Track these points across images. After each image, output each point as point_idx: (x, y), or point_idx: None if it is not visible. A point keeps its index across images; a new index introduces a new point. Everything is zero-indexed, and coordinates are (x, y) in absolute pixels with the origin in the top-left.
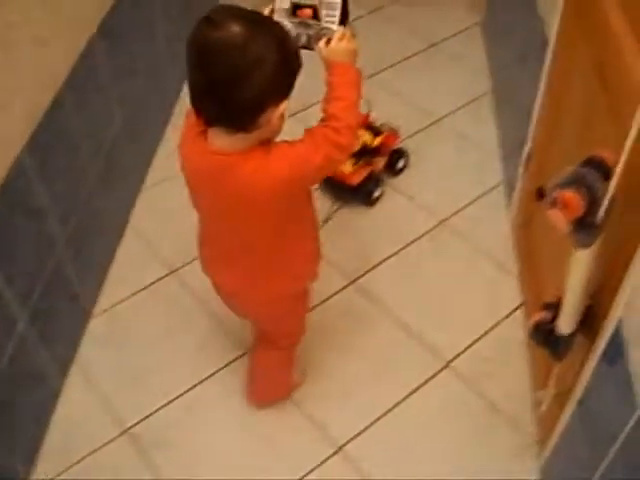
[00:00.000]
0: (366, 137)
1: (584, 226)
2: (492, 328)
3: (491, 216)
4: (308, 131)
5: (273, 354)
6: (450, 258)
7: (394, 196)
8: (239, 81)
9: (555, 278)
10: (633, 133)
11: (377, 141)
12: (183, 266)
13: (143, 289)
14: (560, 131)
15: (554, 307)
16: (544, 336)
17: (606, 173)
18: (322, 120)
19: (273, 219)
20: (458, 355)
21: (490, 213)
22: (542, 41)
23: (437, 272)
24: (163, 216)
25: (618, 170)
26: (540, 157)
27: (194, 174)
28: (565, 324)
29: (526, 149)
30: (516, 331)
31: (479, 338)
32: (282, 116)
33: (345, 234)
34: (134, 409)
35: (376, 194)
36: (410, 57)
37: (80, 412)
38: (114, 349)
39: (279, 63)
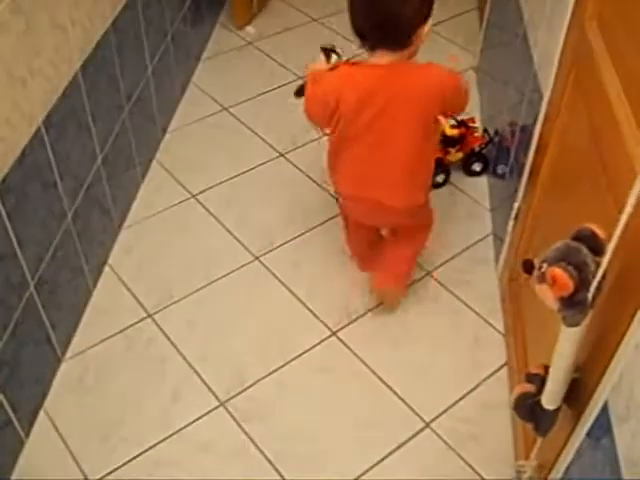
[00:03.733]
0: (446, 125)
1: (573, 304)
2: (475, 388)
3: (479, 269)
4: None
5: (409, 248)
6: (435, 311)
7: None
8: (409, 12)
9: (541, 346)
10: (628, 209)
11: (454, 132)
12: (159, 310)
13: (118, 332)
14: (552, 192)
15: (539, 379)
16: (527, 410)
17: (597, 248)
18: None
19: (428, 122)
20: (439, 415)
21: (478, 266)
22: (538, 96)
23: (420, 325)
24: (141, 258)
25: (611, 247)
26: (530, 215)
27: (362, 96)
28: (550, 400)
29: (516, 205)
30: (499, 392)
31: (461, 398)
32: (425, 34)
33: (327, 279)
34: (100, 462)
35: (438, 179)
36: None
37: (45, 462)
38: (84, 396)
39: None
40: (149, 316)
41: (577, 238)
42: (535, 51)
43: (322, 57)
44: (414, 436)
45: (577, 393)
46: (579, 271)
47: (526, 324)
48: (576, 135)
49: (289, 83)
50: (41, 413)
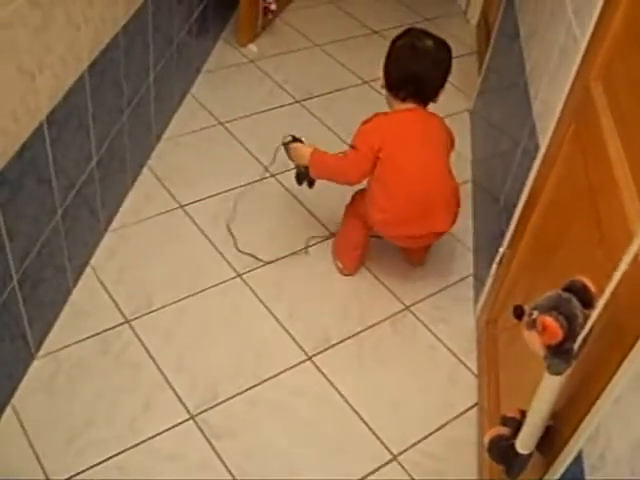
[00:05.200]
0: None
1: (560, 353)
2: (443, 425)
3: (457, 308)
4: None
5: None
6: (411, 345)
7: (363, 272)
8: (438, 69)
9: (515, 390)
10: (623, 267)
11: None
12: (137, 317)
13: (94, 335)
14: (540, 241)
15: (514, 423)
16: (501, 452)
17: (587, 300)
18: None
19: (449, 152)
20: (407, 449)
21: (457, 305)
22: (534, 145)
23: (396, 358)
24: (123, 263)
25: (602, 301)
26: (516, 261)
27: (407, 134)
28: (525, 445)
29: (501, 250)
30: (468, 431)
31: (430, 434)
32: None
33: (308, 303)
34: (63, 464)
35: None
36: None
37: (6, 458)
38: (54, 396)
39: (450, 63)
40: (127, 322)
41: (569, 289)
42: (535, 102)
43: (294, 145)
44: (380, 467)
45: (550, 440)
46: (569, 322)
47: (501, 368)
48: (570, 188)
49: (287, 105)
50: (8, 409)
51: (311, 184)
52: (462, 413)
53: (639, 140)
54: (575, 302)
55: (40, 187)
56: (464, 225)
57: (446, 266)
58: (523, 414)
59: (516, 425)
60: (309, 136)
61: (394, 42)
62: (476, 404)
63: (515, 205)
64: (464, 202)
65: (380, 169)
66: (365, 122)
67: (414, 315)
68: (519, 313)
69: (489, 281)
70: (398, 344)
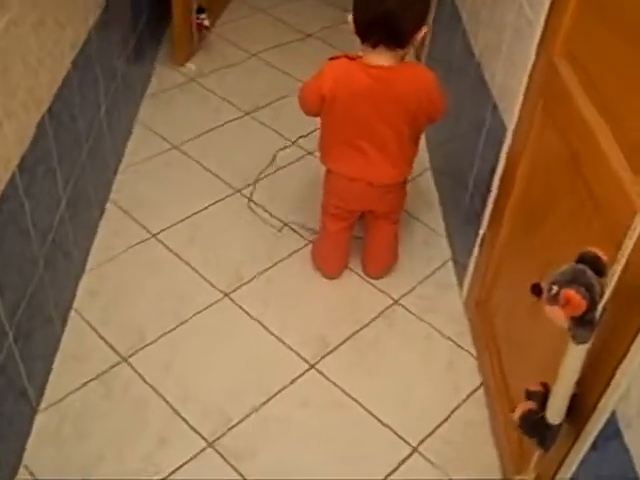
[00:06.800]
0: None
1: (584, 323)
2: (454, 410)
3: (443, 294)
4: None
5: (392, 230)
6: (407, 338)
7: (346, 272)
8: (407, 10)
9: (521, 365)
10: (634, 235)
11: None
12: (133, 353)
13: (93, 379)
14: (523, 217)
15: (539, 396)
16: (532, 426)
17: (600, 269)
18: None
19: (410, 116)
20: (424, 439)
21: (442, 291)
22: (500, 127)
23: (395, 353)
24: (107, 301)
25: (618, 269)
26: (499, 241)
27: (355, 91)
28: (555, 415)
29: (481, 232)
30: (479, 412)
31: (444, 420)
32: (419, 39)
33: (299, 311)
34: None
35: None
36: None
37: None
38: (63, 446)
39: (425, 3)
40: (124, 360)
41: (581, 260)
42: (493, 85)
43: None
44: (403, 461)
45: (578, 407)
46: (588, 292)
47: (502, 346)
48: (549, 161)
49: (236, 119)
50: (21, 469)
51: None
52: (469, 395)
53: (615, 107)
54: (590, 272)
55: (20, 237)
56: (433, 212)
57: (423, 255)
58: (545, 386)
59: (541, 397)
60: (263, 146)
61: None
62: (481, 384)
63: (488, 187)
64: (428, 191)
65: (323, 116)
66: (331, 59)
67: (404, 307)
68: (538, 290)
69: (471, 264)
70: (394, 338)
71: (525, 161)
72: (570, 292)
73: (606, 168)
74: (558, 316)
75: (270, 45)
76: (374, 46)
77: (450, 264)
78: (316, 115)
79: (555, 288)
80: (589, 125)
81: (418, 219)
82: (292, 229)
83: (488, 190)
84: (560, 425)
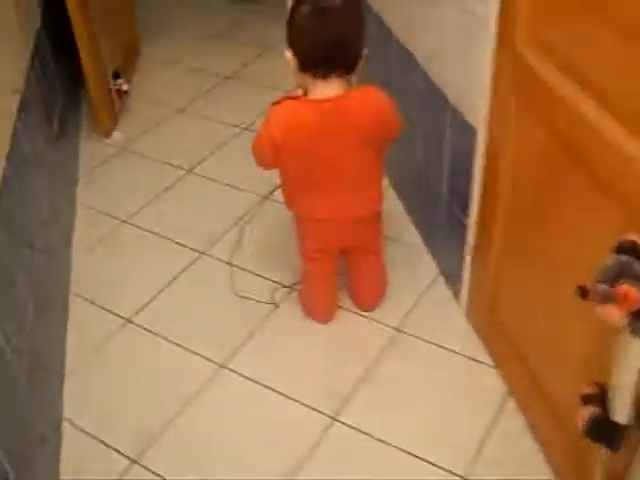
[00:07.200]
0: None
1: None
2: (491, 427)
3: (442, 311)
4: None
5: (379, 260)
6: (419, 364)
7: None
8: (356, 31)
9: (561, 366)
10: None
11: None
12: (142, 452)
13: None
14: (523, 217)
15: (596, 398)
16: (599, 430)
17: None
18: None
19: (371, 140)
20: (470, 464)
21: (440, 308)
22: (467, 131)
23: (412, 382)
24: (99, 403)
25: None
26: (494, 247)
27: (309, 132)
28: (622, 413)
29: (470, 241)
30: (515, 421)
31: (483, 441)
32: (362, 59)
33: (303, 366)
34: None
35: None
36: None
37: None
38: None
39: (362, 16)
40: (135, 462)
41: (621, 251)
42: (448, 90)
43: None
44: None
45: None
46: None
47: (525, 349)
48: (537, 156)
49: (180, 179)
50: None
51: None
52: (500, 407)
53: (610, 87)
54: (636, 263)
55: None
56: (404, 229)
57: (409, 274)
58: (600, 386)
59: (599, 399)
60: (216, 201)
61: (292, 12)
62: (508, 393)
63: (466, 195)
64: (394, 208)
65: (281, 165)
66: (274, 104)
67: (406, 334)
68: (584, 292)
69: (465, 274)
70: (406, 368)
71: (506, 162)
72: (625, 287)
73: (613, 150)
74: (613, 314)
75: (192, 96)
76: (325, 77)
77: (440, 278)
78: (274, 167)
79: (604, 286)
80: (582, 110)
81: (393, 239)
82: (276, 281)
83: (466, 199)
84: (628, 426)
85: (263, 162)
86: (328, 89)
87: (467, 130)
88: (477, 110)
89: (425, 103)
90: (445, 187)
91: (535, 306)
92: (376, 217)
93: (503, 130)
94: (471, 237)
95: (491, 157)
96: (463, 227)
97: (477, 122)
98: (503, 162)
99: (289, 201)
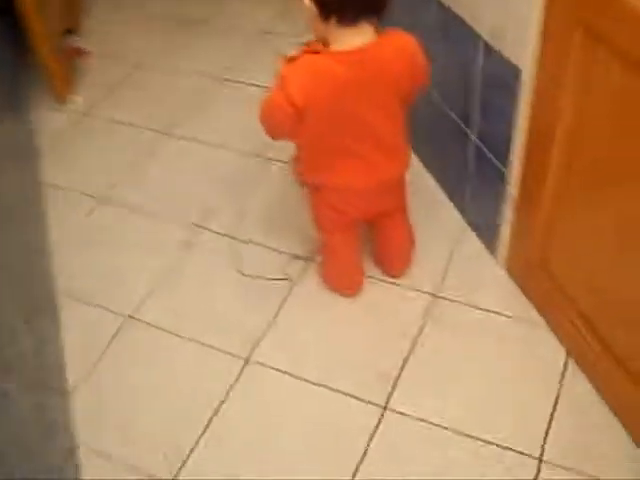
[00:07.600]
0: None
1: None
2: (558, 396)
3: (477, 268)
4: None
5: (406, 218)
6: (463, 333)
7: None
8: None
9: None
10: None
11: None
12: (178, 470)
13: None
14: (584, 165)
15: None
16: None
17: None
18: None
19: (402, 92)
20: (545, 444)
21: (474, 265)
22: (508, 71)
23: (459, 356)
24: (115, 421)
25: None
26: (548, 194)
27: (337, 88)
28: None
29: (508, 189)
30: (582, 386)
31: (552, 414)
32: None
33: (336, 350)
34: None
35: None
36: None
37: None
38: None
39: None
40: None
41: None
42: (480, 28)
43: None
44: (536, 478)
45: None
46: None
47: (588, 306)
48: (616, 100)
49: (161, 143)
50: None
51: None
52: (563, 372)
53: None
54: None
55: None
56: (421, 181)
57: (434, 231)
58: None
59: None
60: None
61: None
62: (568, 356)
63: (506, 143)
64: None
65: (298, 131)
66: (289, 61)
67: (445, 299)
68: None
69: (505, 226)
70: (452, 338)
71: (566, 107)
72: None
73: None
74: None
75: (160, 48)
76: (353, 22)
77: (468, 232)
78: (292, 137)
79: None
80: None
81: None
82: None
83: (506, 148)
84: None
85: (277, 132)
86: (357, 37)
87: (507, 70)
88: (520, 49)
89: (451, 42)
90: (475, 137)
91: (597, 257)
92: (404, 175)
93: (561, 69)
94: (514, 187)
95: (544, 101)
96: (500, 176)
97: (520, 61)
98: (561, 107)
99: (311, 171)
